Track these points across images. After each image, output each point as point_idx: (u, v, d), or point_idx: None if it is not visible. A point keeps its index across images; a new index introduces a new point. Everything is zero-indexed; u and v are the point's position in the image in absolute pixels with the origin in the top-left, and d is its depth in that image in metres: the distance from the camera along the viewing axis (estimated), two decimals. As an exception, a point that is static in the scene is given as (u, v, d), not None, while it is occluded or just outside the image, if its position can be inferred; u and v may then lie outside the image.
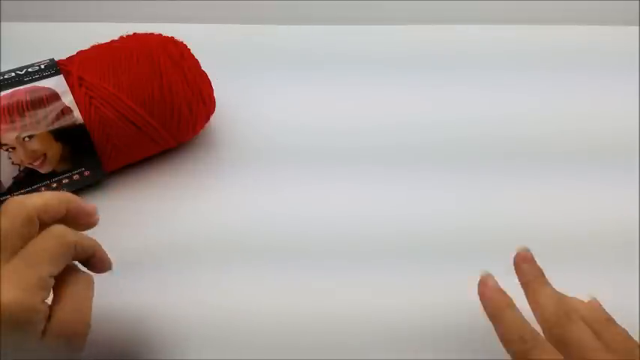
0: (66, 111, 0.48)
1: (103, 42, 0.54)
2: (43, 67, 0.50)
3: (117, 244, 0.50)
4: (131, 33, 0.55)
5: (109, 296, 0.47)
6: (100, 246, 0.42)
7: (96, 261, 0.41)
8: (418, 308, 0.48)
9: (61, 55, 0.53)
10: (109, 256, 0.43)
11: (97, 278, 0.47)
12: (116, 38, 0.55)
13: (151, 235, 0.52)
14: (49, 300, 0.37)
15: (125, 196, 0.54)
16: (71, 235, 0.38)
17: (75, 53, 0.53)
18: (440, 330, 0.47)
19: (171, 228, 0.52)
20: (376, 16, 0.72)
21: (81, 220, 0.41)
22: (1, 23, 0.68)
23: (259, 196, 0.55)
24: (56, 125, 0.48)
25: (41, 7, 0.71)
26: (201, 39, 0.56)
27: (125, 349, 0.46)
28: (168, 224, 0.53)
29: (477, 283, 0.42)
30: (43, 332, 0.36)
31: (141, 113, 0.50)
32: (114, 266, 0.43)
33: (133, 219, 0.53)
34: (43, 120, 0.48)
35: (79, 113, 0.48)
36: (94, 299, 0.42)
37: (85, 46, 0.54)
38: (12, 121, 0.47)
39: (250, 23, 0.71)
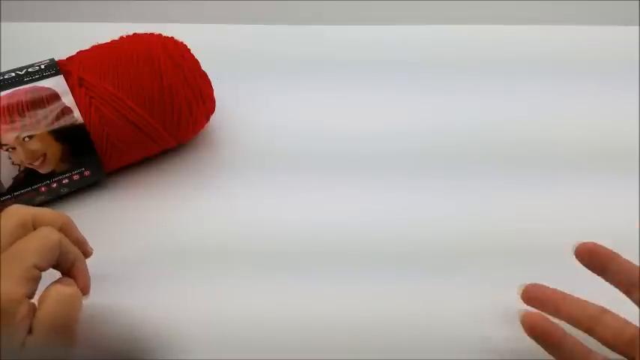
0: (66, 111, 0.48)
1: (103, 42, 0.54)
2: (43, 67, 0.50)
3: (117, 244, 0.50)
4: (131, 33, 0.55)
5: (108, 296, 0.47)
6: (83, 260, 0.43)
7: (76, 273, 0.42)
8: (418, 314, 0.47)
9: (61, 55, 0.53)
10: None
11: (97, 277, 0.47)
12: (116, 38, 0.55)
13: (151, 235, 0.52)
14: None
15: (125, 196, 0.54)
16: (56, 234, 0.39)
17: (75, 53, 0.53)
18: (440, 336, 0.46)
19: (170, 228, 0.52)
20: (378, 16, 0.72)
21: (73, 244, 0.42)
22: (1, 23, 0.68)
23: (259, 196, 0.55)
24: (56, 125, 0.48)
25: (41, 7, 0.71)
26: (201, 39, 0.56)
27: (125, 349, 0.45)
28: (168, 224, 0.53)
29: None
30: (30, 331, 0.36)
31: (141, 113, 0.50)
32: (114, 266, 0.43)
33: (132, 219, 0.53)
34: (43, 120, 0.48)
35: (79, 113, 0.48)
36: (94, 299, 0.42)
37: (85, 46, 0.54)
38: (12, 121, 0.47)
39: (250, 23, 0.70)
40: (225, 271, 0.49)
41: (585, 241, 0.43)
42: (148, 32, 0.55)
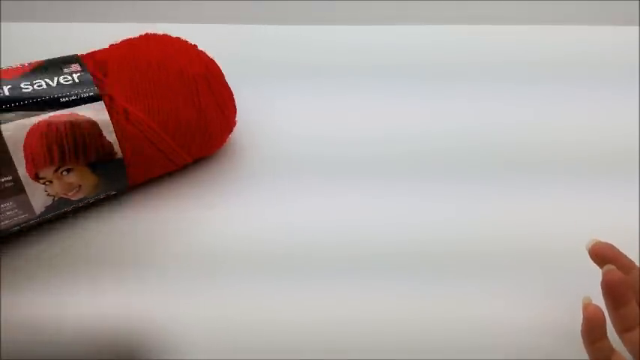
0: (106, 145, 0.48)
1: (103, 42, 0.53)
2: (76, 79, 0.48)
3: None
4: (136, 33, 0.54)
5: (119, 298, 0.48)
6: None
7: None
8: (421, 318, 0.48)
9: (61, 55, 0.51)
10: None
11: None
12: (145, 41, 0.53)
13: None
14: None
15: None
16: None
17: (103, 54, 0.51)
18: (441, 339, 0.47)
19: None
20: (378, 16, 0.72)
21: None
22: (1, 23, 0.67)
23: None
24: (95, 159, 0.47)
25: (41, 7, 0.69)
26: (202, 39, 0.55)
27: (128, 349, 0.46)
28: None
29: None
30: None
31: (177, 150, 0.51)
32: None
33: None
34: (82, 155, 0.47)
35: (118, 148, 0.48)
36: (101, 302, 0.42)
37: (85, 47, 0.52)
38: (51, 157, 0.46)
39: (251, 23, 0.70)
40: (236, 275, 0.49)
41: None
42: (151, 32, 0.54)
